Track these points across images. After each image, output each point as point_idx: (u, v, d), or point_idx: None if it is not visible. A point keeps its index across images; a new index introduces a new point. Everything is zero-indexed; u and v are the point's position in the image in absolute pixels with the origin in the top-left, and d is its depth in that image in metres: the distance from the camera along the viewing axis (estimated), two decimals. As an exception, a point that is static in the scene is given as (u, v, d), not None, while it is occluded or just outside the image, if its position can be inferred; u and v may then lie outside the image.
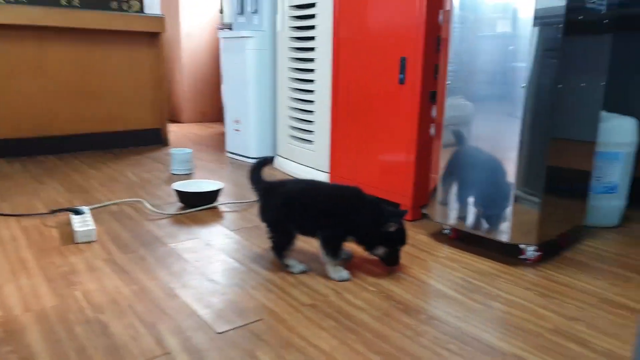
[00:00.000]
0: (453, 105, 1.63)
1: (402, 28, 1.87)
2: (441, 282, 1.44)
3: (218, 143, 3.77)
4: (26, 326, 1.14)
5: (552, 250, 1.66)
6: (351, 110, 2.16)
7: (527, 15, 1.41)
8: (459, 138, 1.61)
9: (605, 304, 1.33)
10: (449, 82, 1.63)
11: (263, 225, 1.55)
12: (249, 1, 3.01)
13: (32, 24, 2.92)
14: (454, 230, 1.76)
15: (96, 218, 1.90)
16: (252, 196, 1.60)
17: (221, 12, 4.63)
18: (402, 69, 1.88)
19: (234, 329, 1.16)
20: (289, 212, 1.47)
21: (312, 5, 2.50)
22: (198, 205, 2.07)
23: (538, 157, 1.48)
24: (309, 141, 2.63)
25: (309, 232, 1.51)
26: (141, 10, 3.36)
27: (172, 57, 4.97)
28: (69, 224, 1.82)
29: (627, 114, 1.90)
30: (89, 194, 2.24)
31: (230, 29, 3.45)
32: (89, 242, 1.67)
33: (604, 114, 1.78)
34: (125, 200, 2.16)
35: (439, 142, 1.69)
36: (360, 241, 1.47)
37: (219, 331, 1.15)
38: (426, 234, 1.84)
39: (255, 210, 2.03)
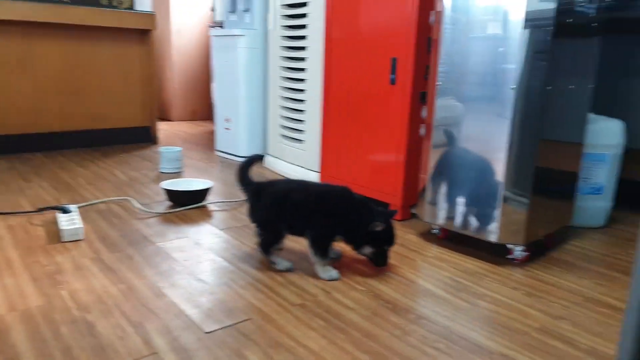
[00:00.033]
0: (443, 106, 1.64)
1: (393, 28, 1.87)
2: (430, 281, 1.45)
3: (208, 141, 3.75)
4: (11, 326, 1.13)
5: (539, 250, 1.68)
6: (342, 110, 2.16)
7: (517, 17, 1.42)
8: (451, 138, 1.62)
9: (591, 303, 1.34)
10: (440, 82, 1.64)
11: (252, 225, 1.55)
12: (240, -1, 3.01)
13: (19, 20, 2.89)
14: (443, 230, 1.77)
15: (83, 216, 1.88)
16: (242, 195, 1.60)
17: (212, 10, 4.61)
18: (393, 69, 1.89)
19: (222, 328, 1.15)
20: (279, 211, 1.47)
21: (303, 4, 2.49)
22: (187, 204, 2.06)
23: (527, 158, 1.50)
24: (300, 140, 2.62)
25: (298, 232, 1.51)
26: (131, 6, 3.33)
27: (162, 54, 4.94)
28: (55, 222, 1.81)
29: (614, 117, 1.92)
30: (76, 192, 2.22)
31: (221, 27, 3.44)
32: (76, 241, 1.65)
33: (591, 116, 1.79)
34: (114, 198, 2.14)
35: (428, 143, 1.70)
36: (347, 240, 1.48)
37: (207, 331, 1.14)
38: (415, 233, 1.84)
39: (244, 209, 2.02)
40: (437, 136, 1.66)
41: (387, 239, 1.48)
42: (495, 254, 1.63)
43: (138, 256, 1.55)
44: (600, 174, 1.90)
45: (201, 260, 1.54)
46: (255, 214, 1.53)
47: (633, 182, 2.03)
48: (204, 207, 2.10)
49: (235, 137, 3.07)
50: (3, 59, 2.93)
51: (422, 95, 1.86)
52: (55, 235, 1.70)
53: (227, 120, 3.12)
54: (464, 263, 1.58)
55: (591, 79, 1.68)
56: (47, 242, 1.64)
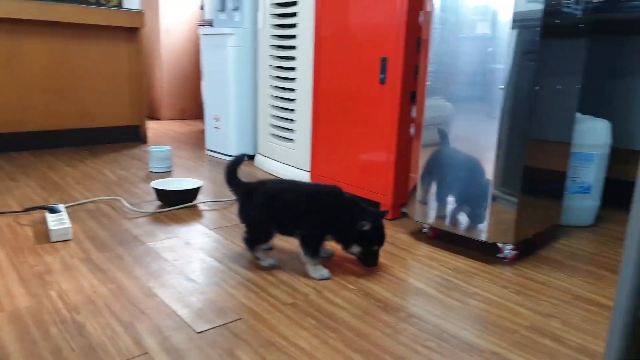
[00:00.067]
0: (433, 106, 1.65)
1: (383, 28, 1.88)
2: (420, 280, 1.46)
3: (197, 141, 3.74)
4: (0, 327, 1.12)
5: (528, 249, 1.69)
6: (332, 109, 2.16)
7: (505, 18, 1.43)
8: (444, 137, 1.62)
9: (579, 301, 1.36)
10: (429, 82, 1.64)
11: (242, 225, 1.54)
12: (230, -2, 2.99)
13: (4, 17, 2.85)
14: (433, 229, 1.78)
15: (72, 216, 1.87)
16: (232, 195, 1.59)
17: (202, 8, 4.59)
18: (383, 69, 1.89)
19: (213, 328, 1.15)
20: (270, 211, 1.47)
21: (293, 3, 2.49)
22: (177, 204, 2.05)
23: (515, 158, 1.51)
24: (290, 139, 2.62)
25: (288, 232, 1.51)
26: (120, 4, 3.31)
27: (151, 53, 4.91)
28: (43, 222, 1.79)
29: (601, 117, 1.95)
30: (64, 192, 2.20)
31: (211, 25, 3.43)
32: (64, 241, 1.64)
33: (579, 116, 1.81)
34: (103, 198, 2.12)
35: (418, 142, 1.71)
36: (338, 240, 1.48)
37: (199, 331, 1.14)
38: (406, 232, 1.85)
39: (234, 209, 2.02)
40: (428, 135, 1.67)
41: (375, 238, 1.47)
42: (485, 252, 1.65)
43: (128, 256, 1.54)
44: (588, 174, 1.93)
45: (192, 260, 1.54)
46: (246, 215, 1.53)
47: (619, 181, 2.06)
48: (194, 206, 2.09)
49: (225, 136, 3.06)
50: (-11, 57, 2.90)
51: (411, 95, 1.87)
52: (43, 235, 1.68)
53: (216, 119, 3.11)
54: (454, 262, 1.59)
55: (578, 79, 1.70)
56: (35, 242, 1.62)
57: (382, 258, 1.58)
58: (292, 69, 2.56)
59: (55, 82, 3.15)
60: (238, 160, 1.60)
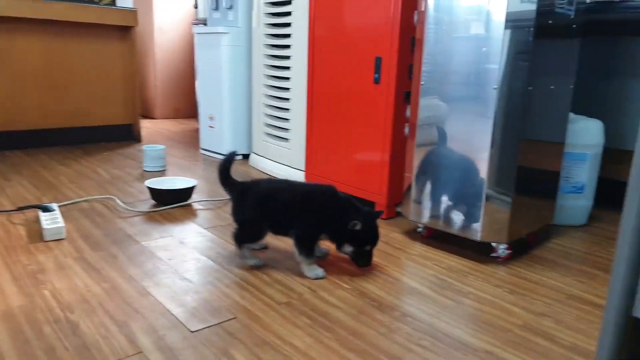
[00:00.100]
0: (427, 106, 1.65)
1: (377, 28, 1.88)
2: (414, 279, 1.46)
3: (192, 140, 3.73)
4: (-8, 326, 1.11)
5: (522, 248, 1.70)
6: (327, 108, 2.16)
7: (499, 18, 1.44)
8: (442, 136, 1.62)
9: (572, 300, 1.37)
10: (423, 82, 1.65)
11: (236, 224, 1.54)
12: (224, -3, 2.99)
13: (-2, 15, 2.84)
14: (428, 228, 1.78)
15: (66, 215, 1.86)
16: (226, 194, 1.59)
17: (195, 7, 4.58)
18: (377, 68, 1.90)
19: (208, 327, 1.15)
20: (264, 211, 1.47)
21: (288, 2, 2.49)
22: (171, 203, 2.05)
23: (509, 157, 1.52)
24: (285, 139, 2.62)
25: (282, 231, 1.50)
26: (113, 2, 3.29)
27: (145, 51, 4.89)
28: (37, 221, 1.78)
29: (593, 117, 1.96)
30: (58, 191, 2.19)
31: (205, 24, 3.42)
32: (58, 240, 1.63)
33: (571, 116, 1.83)
34: (96, 197, 2.12)
35: (413, 142, 1.71)
36: (332, 239, 1.48)
37: (193, 330, 1.14)
38: (400, 231, 1.86)
39: (229, 208, 2.01)
40: (423, 135, 1.68)
41: (367, 238, 1.46)
42: (479, 252, 1.65)
43: (122, 255, 1.54)
44: (581, 173, 1.94)
45: (186, 259, 1.53)
46: (239, 214, 1.52)
47: (611, 181, 2.07)
48: (188, 205, 2.08)
49: (219, 135, 3.06)
50: (-19, 55, 2.88)
51: (406, 94, 1.87)
52: (37, 234, 1.67)
53: (211, 118, 3.10)
54: (448, 261, 1.60)
55: (571, 79, 1.71)
56: (28, 241, 1.61)
57: (377, 257, 1.58)
58: (287, 68, 2.56)
59: (49, 80, 3.13)
60: (229, 159, 1.58)
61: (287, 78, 2.56)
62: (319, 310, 1.25)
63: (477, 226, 1.56)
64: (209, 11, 3.17)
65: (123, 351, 1.04)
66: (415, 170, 1.71)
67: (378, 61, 1.89)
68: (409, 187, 1.74)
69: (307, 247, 1.44)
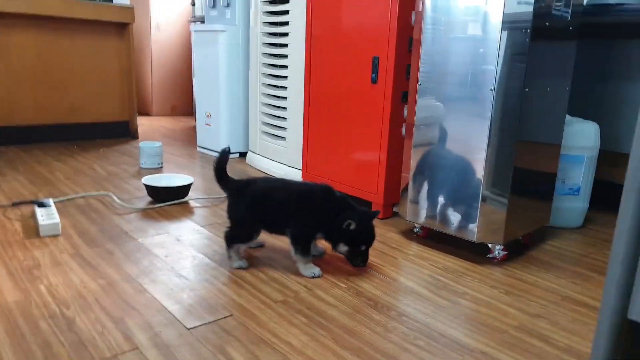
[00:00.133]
0: (424, 106, 1.66)
1: (374, 28, 1.89)
2: (410, 279, 1.47)
3: (189, 137, 3.72)
4: (-13, 321, 1.11)
5: (518, 249, 1.71)
6: (324, 107, 2.17)
7: (496, 19, 1.45)
8: (443, 136, 1.62)
9: (567, 301, 1.38)
10: (421, 82, 1.65)
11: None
12: (223, -5, 2.99)
13: (-5, 10, 2.82)
14: (424, 228, 1.79)
15: (62, 211, 1.85)
16: (223, 192, 1.58)
17: (193, 4, 4.57)
18: (375, 68, 1.90)
19: (204, 324, 1.15)
20: (260, 210, 1.47)
21: (286, 1, 2.49)
22: (168, 200, 2.04)
23: (506, 159, 1.52)
24: (282, 137, 2.62)
25: (278, 230, 1.50)
26: (110, -1, 3.28)
27: (142, 49, 4.88)
28: (32, 217, 1.77)
29: (590, 119, 1.97)
30: (53, 187, 2.18)
31: (202, 22, 3.41)
32: (53, 236, 1.63)
33: (567, 118, 1.83)
34: (93, 193, 2.11)
35: (410, 142, 1.72)
36: (327, 238, 1.47)
37: (189, 327, 1.14)
38: (397, 231, 1.86)
39: (225, 205, 2.01)
40: (420, 135, 1.68)
41: (362, 238, 1.45)
42: (475, 252, 1.66)
43: (118, 252, 1.53)
44: (577, 175, 1.95)
45: (182, 257, 1.53)
46: (234, 212, 1.52)
47: (606, 183, 2.09)
48: (185, 203, 2.08)
49: (216, 133, 3.05)
50: (-22, 50, 2.86)
51: (403, 94, 1.88)
52: (32, 230, 1.67)
53: (208, 115, 3.10)
54: (444, 261, 1.61)
55: (567, 81, 1.72)
56: (24, 236, 1.61)
57: (373, 257, 1.59)
58: (284, 66, 2.56)
59: (45, 76, 3.12)
60: (224, 156, 1.55)
61: (285, 77, 2.56)
62: (315, 309, 1.25)
63: (474, 227, 1.57)
64: (206, 9, 3.17)
65: (119, 347, 1.04)
66: (412, 170, 1.71)
67: (375, 61, 1.89)
68: (406, 187, 1.75)
69: (303, 246, 1.44)
